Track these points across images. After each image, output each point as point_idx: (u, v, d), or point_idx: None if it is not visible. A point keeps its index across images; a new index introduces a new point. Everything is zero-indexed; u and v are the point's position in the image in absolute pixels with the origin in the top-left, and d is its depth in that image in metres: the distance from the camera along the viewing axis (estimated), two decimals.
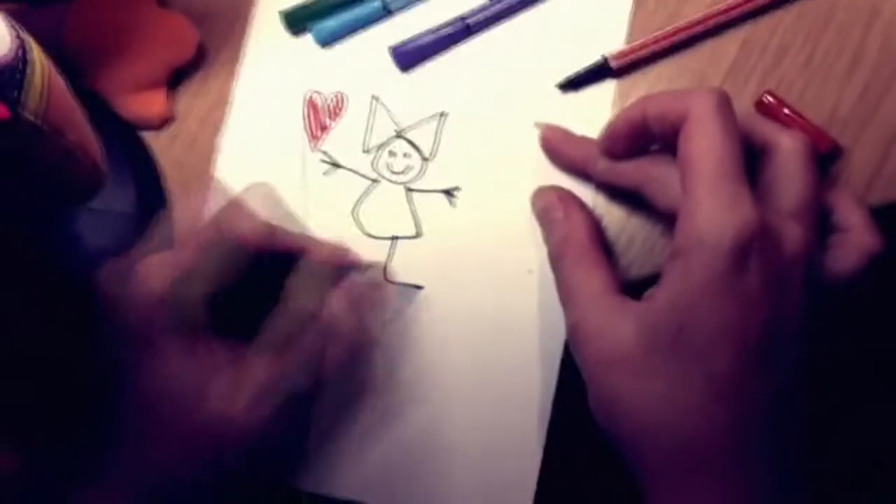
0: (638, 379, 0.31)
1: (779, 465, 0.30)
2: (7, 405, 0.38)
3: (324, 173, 0.41)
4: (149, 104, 0.42)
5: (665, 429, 0.31)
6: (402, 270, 0.39)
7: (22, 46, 0.27)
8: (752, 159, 0.32)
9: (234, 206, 0.35)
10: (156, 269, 0.34)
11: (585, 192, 0.38)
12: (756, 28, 0.38)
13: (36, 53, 0.28)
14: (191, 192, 0.41)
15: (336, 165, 0.41)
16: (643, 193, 0.35)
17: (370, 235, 0.40)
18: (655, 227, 0.37)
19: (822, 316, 0.31)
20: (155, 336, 0.33)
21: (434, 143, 0.40)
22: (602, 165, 0.36)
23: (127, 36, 0.41)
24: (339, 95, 0.42)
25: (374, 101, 0.41)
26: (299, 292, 0.34)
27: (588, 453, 0.38)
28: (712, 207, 0.30)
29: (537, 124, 0.38)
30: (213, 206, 0.37)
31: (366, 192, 0.40)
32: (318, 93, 0.42)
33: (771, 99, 0.36)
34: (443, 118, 0.40)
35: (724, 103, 0.31)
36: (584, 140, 0.37)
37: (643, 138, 0.34)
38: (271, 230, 0.36)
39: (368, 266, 0.38)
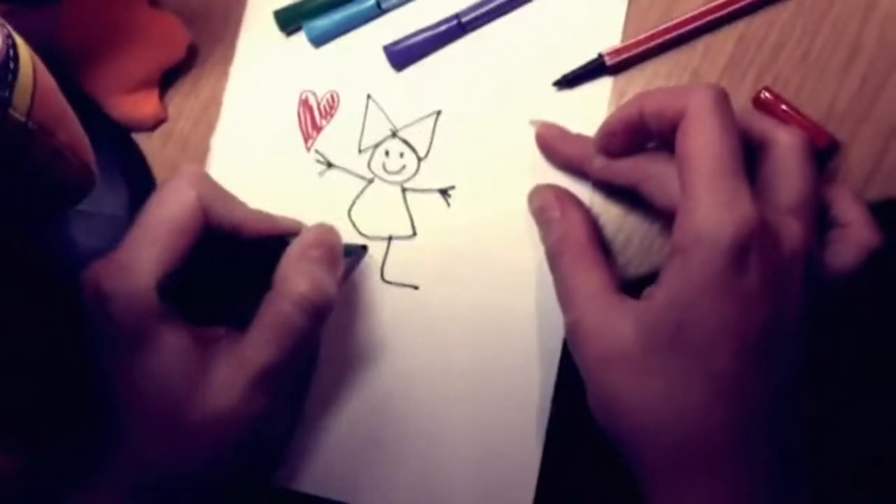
0: (637, 377, 0.31)
1: (779, 462, 0.30)
2: (5, 406, 0.38)
3: (318, 174, 0.41)
4: (141, 105, 0.42)
5: (664, 427, 0.30)
6: (398, 270, 0.39)
7: (10, 46, 0.27)
8: (749, 156, 0.32)
9: (223, 194, 0.36)
10: (145, 261, 0.33)
11: (582, 191, 0.37)
12: (752, 24, 0.38)
13: (25, 53, 0.28)
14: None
15: (330, 165, 0.41)
16: (640, 191, 0.35)
17: (365, 235, 0.40)
18: (653, 226, 0.37)
19: (821, 312, 0.31)
20: (148, 330, 0.33)
21: (429, 142, 0.40)
22: (599, 163, 0.36)
23: (117, 36, 0.41)
24: (333, 95, 0.41)
25: (368, 101, 0.41)
26: (290, 276, 0.34)
27: (587, 452, 0.38)
28: (711, 205, 0.29)
29: (533, 122, 0.38)
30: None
31: (361, 192, 0.40)
32: (312, 92, 0.42)
33: (768, 95, 0.36)
34: (437, 117, 0.40)
35: (722, 99, 0.31)
36: (580, 138, 0.37)
37: (640, 135, 0.34)
38: (266, 216, 0.36)
39: (359, 248, 0.39)
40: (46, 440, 0.39)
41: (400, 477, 0.38)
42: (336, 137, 0.41)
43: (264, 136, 0.42)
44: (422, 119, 0.40)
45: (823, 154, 0.35)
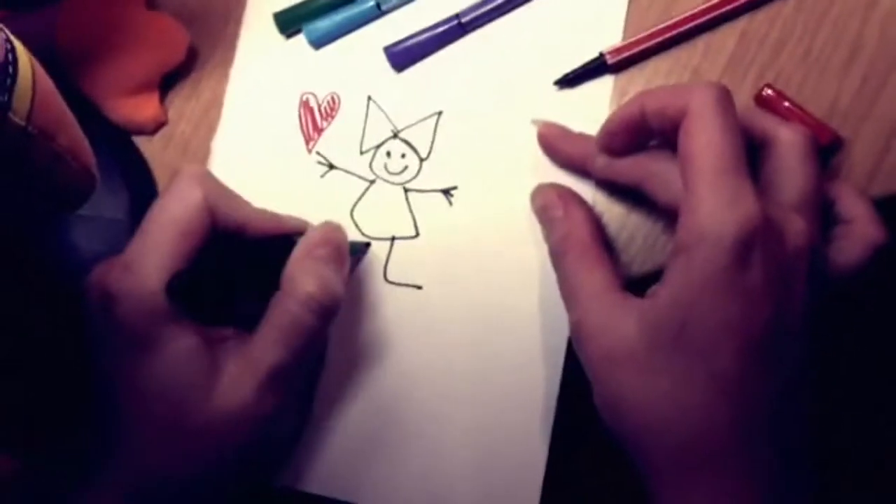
0: (641, 376, 0.31)
1: (782, 462, 0.30)
2: (5, 406, 0.38)
3: (320, 175, 0.41)
4: (141, 108, 0.41)
5: (668, 426, 0.30)
6: (401, 270, 0.39)
7: (9, 50, 0.27)
8: (752, 153, 0.32)
9: (228, 193, 0.36)
10: (152, 262, 0.33)
11: (585, 189, 0.37)
12: (753, 21, 0.38)
13: (24, 57, 0.28)
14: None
15: (332, 167, 0.41)
16: (643, 190, 0.34)
17: (368, 236, 0.40)
18: (656, 224, 0.37)
19: (825, 310, 0.31)
20: (156, 331, 0.33)
21: (430, 142, 0.40)
22: (601, 162, 0.36)
23: (116, 39, 0.40)
24: (334, 97, 0.41)
25: (368, 102, 0.41)
26: (297, 275, 0.34)
27: (593, 451, 0.38)
28: (714, 203, 0.29)
29: (535, 121, 0.38)
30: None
31: (363, 194, 0.40)
32: (312, 94, 0.41)
33: (770, 92, 0.36)
34: (439, 117, 0.40)
35: (724, 97, 0.31)
36: (582, 137, 0.37)
37: (642, 134, 0.34)
38: (271, 215, 0.36)
39: (363, 245, 0.39)
40: (46, 440, 0.38)
41: (404, 477, 0.38)
42: (337, 139, 0.41)
43: (265, 138, 0.42)
44: (423, 120, 0.40)
45: (826, 151, 0.35)
